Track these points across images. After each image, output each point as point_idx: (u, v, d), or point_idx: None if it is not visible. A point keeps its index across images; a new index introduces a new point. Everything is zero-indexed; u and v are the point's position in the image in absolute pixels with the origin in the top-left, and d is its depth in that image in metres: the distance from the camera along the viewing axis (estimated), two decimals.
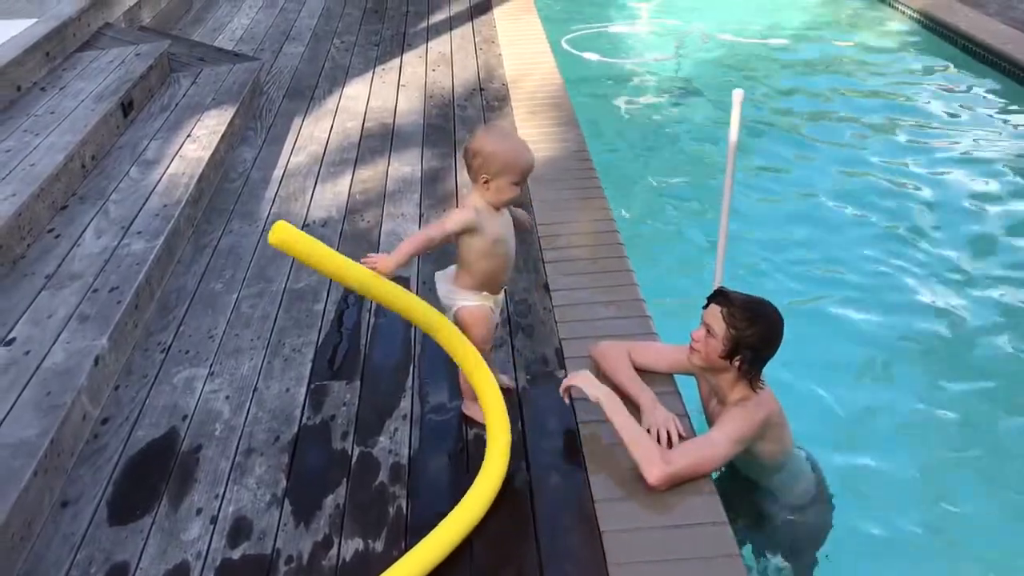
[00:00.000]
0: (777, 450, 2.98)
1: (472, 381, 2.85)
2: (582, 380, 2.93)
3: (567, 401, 3.00)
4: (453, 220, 2.73)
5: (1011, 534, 3.28)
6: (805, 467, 3.14)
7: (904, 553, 3.23)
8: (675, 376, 3.18)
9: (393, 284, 2.66)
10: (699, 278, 4.18)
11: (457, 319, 2.86)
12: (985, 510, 3.40)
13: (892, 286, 4.83)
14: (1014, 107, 6.96)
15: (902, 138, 6.56)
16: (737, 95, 3.17)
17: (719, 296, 2.87)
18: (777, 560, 3.11)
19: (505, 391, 3.14)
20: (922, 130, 6.69)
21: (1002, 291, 4.78)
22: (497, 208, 2.76)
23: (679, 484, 2.70)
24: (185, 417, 3.16)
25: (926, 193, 5.78)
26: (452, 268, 2.94)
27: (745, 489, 3.12)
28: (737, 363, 2.81)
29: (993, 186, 5.83)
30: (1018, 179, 5.93)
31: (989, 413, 3.91)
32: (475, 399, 2.99)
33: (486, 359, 2.88)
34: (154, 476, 2.90)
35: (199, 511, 2.75)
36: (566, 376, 3.07)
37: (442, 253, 3.99)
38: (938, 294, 4.75)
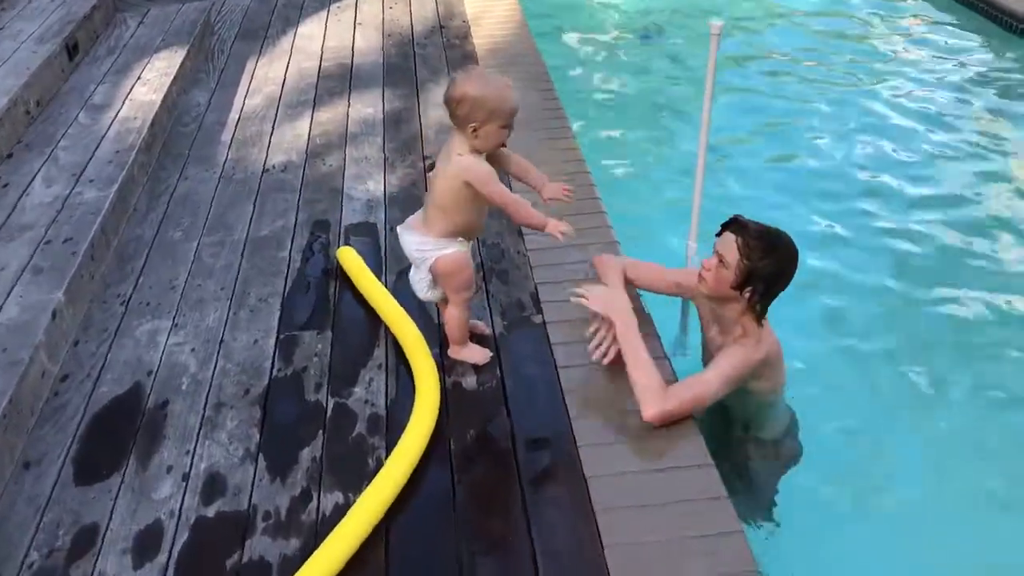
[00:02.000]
0: (768, 388, 2.95)
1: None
2: (598, 302, 2.89)
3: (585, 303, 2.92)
4: (485, 173, 2.62)
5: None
6: (786, 403, 3.12)
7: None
8: (655, 324, 3.13)
9: (407, 322, 3.05)
10: (674, 219, 4.09)
11: (437, 270, 2.76)
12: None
13: (871, 232, 4.79)
14: (1004, 53, 6.85)
15: (889, 77, 6.48)
16: (715, 27, 3.07)
17: (734, 224, 2.75)
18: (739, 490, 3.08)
19: (481, 338, 3.08)
20: (900, 70, 6.63)
21: (974, 238, 4.76)
22: (482, 154, 2.65)
23: (671, 422, 2.66)
24: (150, 372, 3.04)
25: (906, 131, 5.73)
26: (415, 219, 2.83)
27: (723, 421, 3.09)
28: (747, 295, 2.73)
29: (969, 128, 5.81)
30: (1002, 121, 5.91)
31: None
32: (462, 343, 2.93)
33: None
34: (120, 433, 2.80)
35: (169, 468, 2.65)
36: (543, 319, 3.02)
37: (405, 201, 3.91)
38: (916, 241, 4.72)
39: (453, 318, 2.90)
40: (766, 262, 2.69)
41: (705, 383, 2.75)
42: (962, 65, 6.64)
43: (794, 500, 3.10)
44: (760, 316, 2.79)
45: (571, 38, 7.42)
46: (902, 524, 3.11)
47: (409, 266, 3.43)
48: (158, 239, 3.78)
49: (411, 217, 2.87)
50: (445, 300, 2.89)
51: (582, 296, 2.94)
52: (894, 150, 5.53)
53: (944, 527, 3.09)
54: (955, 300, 4.24)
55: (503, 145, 2.67)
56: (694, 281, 2.96)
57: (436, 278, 2.81)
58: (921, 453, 3.39)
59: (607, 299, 2.91)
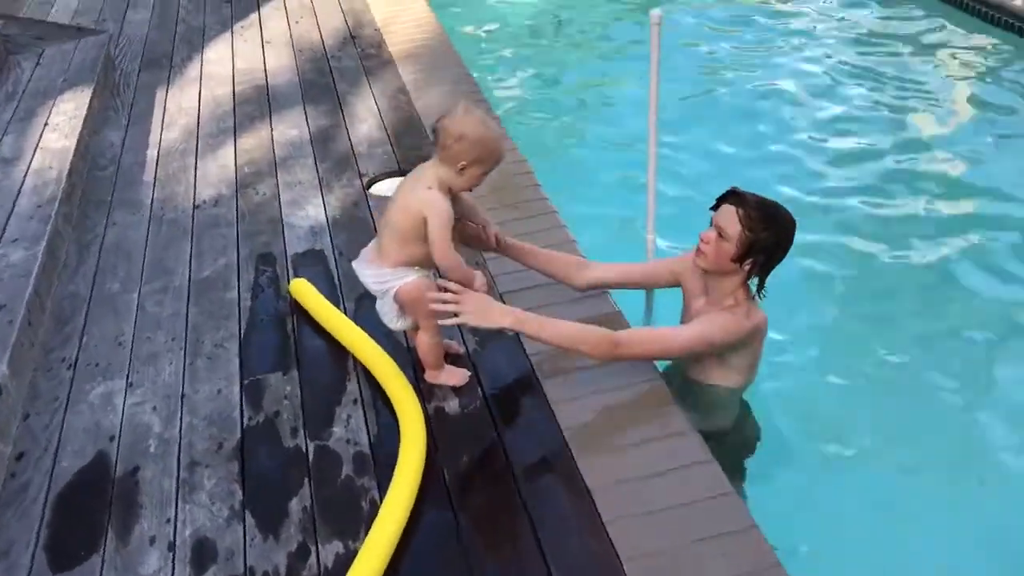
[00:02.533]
0: (733, 382, 2.94)
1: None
2: (479, 318, 2.62)
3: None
4: (444, 218, 2.54)
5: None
6: (741, 399, 3.08)
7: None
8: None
9: (377, 351, 2.95)
10: (626, 215, 4.05)
11: (401, 299, 2.68)
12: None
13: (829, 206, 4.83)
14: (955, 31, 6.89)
15: (840, 48, 6.55)
16: (655, 16, 3.03)
17: (733, 196, 2.72)
18: None
19: (456, 357, 3.00)
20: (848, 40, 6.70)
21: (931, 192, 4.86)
22: (451, 193, 2.59)
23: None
24: (112, 438, 2.87)
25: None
26: (369, 250, 2.74)
27: None
28: (748, 267, 2.71)
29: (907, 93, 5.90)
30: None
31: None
32: (438, 367, 2.84)
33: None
34: (92, 509, 2.62)
35: (152, 539, 2.50)
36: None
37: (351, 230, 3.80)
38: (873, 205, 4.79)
39: (425, 343, 2.81)
40: (767, 233, 2.68)
41: (673, 331, 2.76)
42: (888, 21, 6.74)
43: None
44: (759, 288, 2.79)
45: (477, 34, 7.32)
46: (874, 501, 3.12)
47: (367, 291, 3.35)
48: (95, 293, 3.58)
49: (365, 249, 2.77)
50: (416, 327, 2.79)
51: (452, 310, 2.62)
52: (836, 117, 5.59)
53: (913, 500, 3.12)
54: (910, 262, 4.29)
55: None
56: (687, 262, 2.93)
57: (402, 307, 2.72)
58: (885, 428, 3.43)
59: (487, 315, 2.64)
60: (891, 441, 3.33)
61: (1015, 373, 3.60)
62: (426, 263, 2.69)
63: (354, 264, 2.79)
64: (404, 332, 3.07)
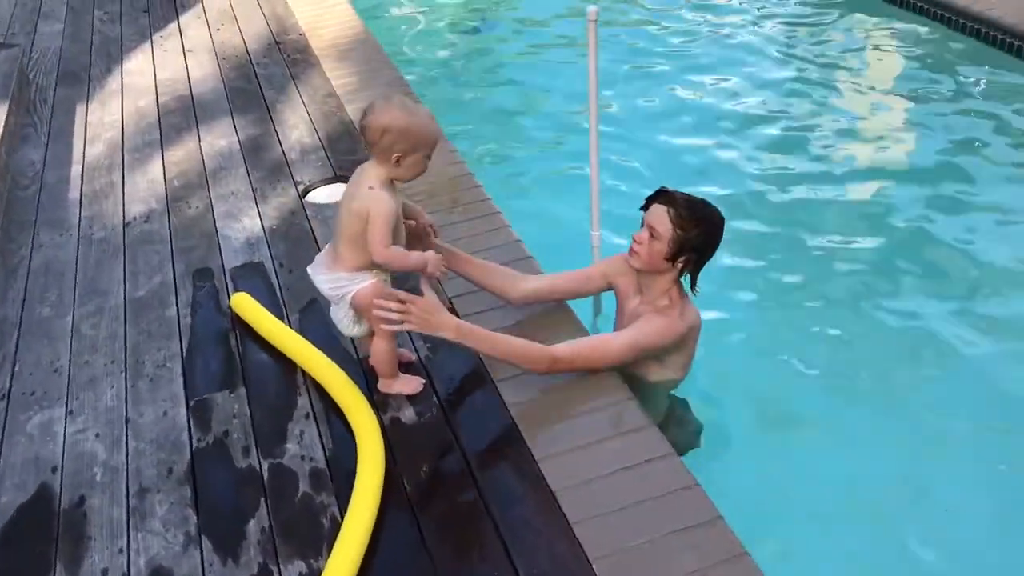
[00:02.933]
0: (668, 378, 2.96)
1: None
2: (424, 326, 2.58)
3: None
4: (384, 216, 2.49)
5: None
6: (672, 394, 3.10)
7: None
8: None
9: (327, 363, 2.90)
10: (571, 216, 4.03)
11: (357, 304, 2.63)
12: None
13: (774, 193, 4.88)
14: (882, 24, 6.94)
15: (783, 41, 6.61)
16: (591, 13, 3.02)
17: (663, 196, 2.78)
18: None
19: (408, 365, 2.96)
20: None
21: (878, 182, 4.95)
22: (395, 187, 2.56)
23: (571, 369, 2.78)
24: (55, 469, 2.75)
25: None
26: (324, 255, 2.69)
27: None
28: (680, 265, 2.76)
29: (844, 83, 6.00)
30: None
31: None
32: (392, 376, 2.79)
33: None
34: (38, 544, 2.51)
35: (104, 572, 2.40)
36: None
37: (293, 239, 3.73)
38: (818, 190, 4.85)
39: (380, 351, 2.76)
40: (698, 231, 2.74)
41: (609, 341, 2.79)
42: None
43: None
44: (692, 284, 2.85)
45: (400, 36, 7.26)
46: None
47: (312, 301, 3.31)
48: (25, 319, 3.44)
49: (320, 255, 2.72)
50: (371, 334, 2.74)
51: (397, 319, 2.57)
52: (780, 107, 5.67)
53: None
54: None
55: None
56: (619, 263, 2.95)
57: (358, 313, 2.67)
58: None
59: (425, 319, 2.58)
60: (835, 420, 3.39)
61: (944, 347, 3.71)
62: (381, 268, 2.65)
63: (309, 269, 2.74)
64: (353, 343, 3.03)
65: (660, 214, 2.74)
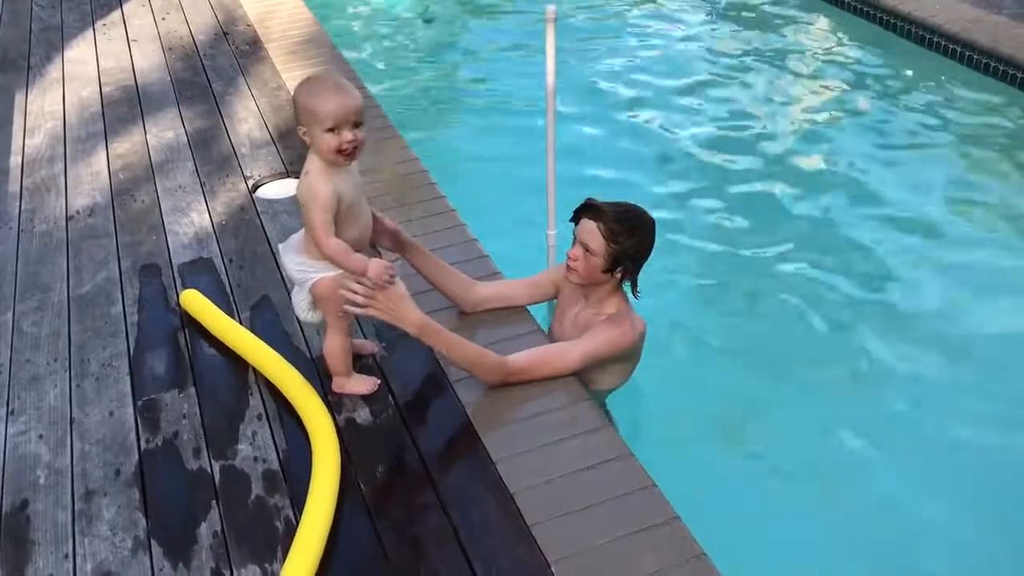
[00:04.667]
0: (610, 383, 2.98)
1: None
2: (388, 316, 2.54)
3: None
4: (318, 202, 2.41)
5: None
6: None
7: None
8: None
9: (280, 362, 2.85)
10: (527, 213, 4.01)
11: (317, 292, 2.58)
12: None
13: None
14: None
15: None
16: (549, 11, 3.01)
17: (590, 210, 2.75)
18: None
19: (368, 356, 2.93)
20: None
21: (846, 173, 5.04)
22: (330, 164, 2.45)
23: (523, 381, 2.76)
24: None
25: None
26: (297, 238, 2.63)
27: None
28: (619, 275, 2.77)
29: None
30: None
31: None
32: (346, 374, 2.75)
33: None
34: None
35: None
36: None
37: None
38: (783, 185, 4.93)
39: (335, 346, 2.72)
40: (631, 240, 2.74)
41: (562, 354, 2.77)
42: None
43: None
44: (633, 289, 2.87)
45: (351, 29, 7.17)
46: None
47: (263, 298, 3.27)
48: None
49: (294, 235, 2.66)
50: (325, 324, 2.70)
51: (362, 303, 2.51)
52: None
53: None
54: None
55: (346, 155, 2.42)
56: (558, 273, 2.98)
57: (315, 300, 2.62)
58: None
59: (390, 308, 2.55)
60: (770, 417, 3.46)
61: (882, 342, 3.82)
62: (355, 249, 2.57)
63: (280, 247, 2.69)
64: (306, 342, 2.99)
65: (591, 230, 2.74)
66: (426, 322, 2.60)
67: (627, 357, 2.94)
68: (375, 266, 2.49)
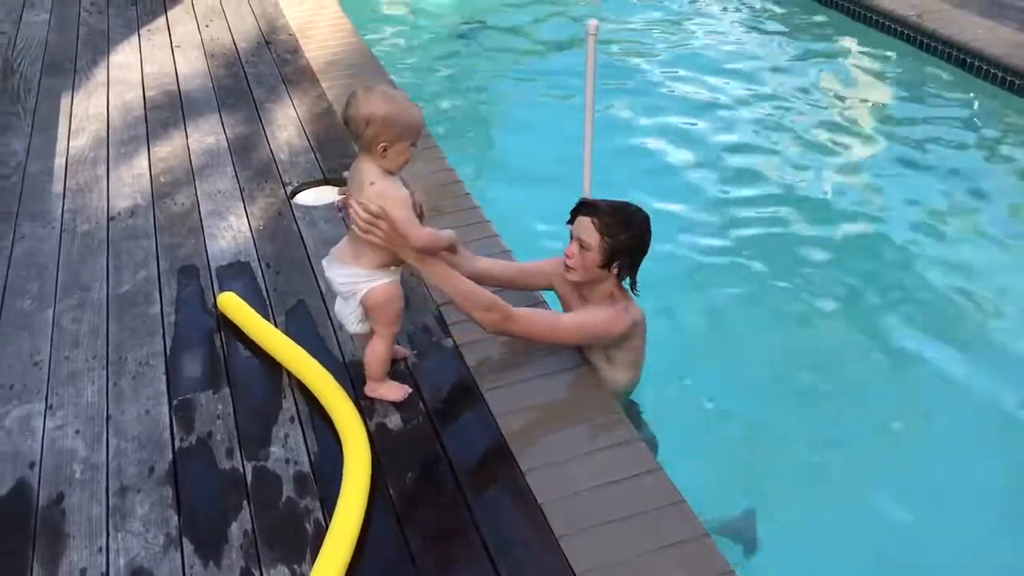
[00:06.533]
0: (628, 377, 2.99)
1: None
2: (389, 241, 2.52)
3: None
4: (399, 206, 2.48)
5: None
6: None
7: None
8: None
9: (314, 366, 2.89)
10: (550, 214, 4.03)
11: (368, 302, 2.62)
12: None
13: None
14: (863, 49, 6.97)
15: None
16: (591, 26, 3.03)
17: (585, 207, 2.83)
18: None
19: (400, 360, 2.98)
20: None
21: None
22: (395, 176, 2.52)
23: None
24: (32, 464, 2.71)
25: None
26: (342, 250, 2.66)
27: None
28: (616, 270, 2.81)
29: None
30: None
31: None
32: (380, 379, 2.78)
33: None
34: (13, 541, 2.47)
35: (83, 572, 2.37)
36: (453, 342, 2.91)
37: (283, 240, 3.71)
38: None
39: (378, 352, 2.75)
40: (626, 235, 2.78)
41: (556, 315, 2.88)
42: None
43: None
44: (632, 284, 2.90)
45: (389, 41, 7.24)
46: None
47: (299, 303, 3.30)
48: (5, 311, 3.39)
49: (336, 248, 2.69)
50: (371, 333, 2.73)
51: (366, 228, 2.50)
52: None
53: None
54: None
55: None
56: (553, 267, 3.03)
57: (366, 311, 2.65)
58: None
59: (392, 235, 2.51)
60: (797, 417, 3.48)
61: (893, 341, 3.89)
62: (397, 262, 2.64)
63: (324, 261, 2.72)
64: (340, 347, 3.02)
65: (585, 225, 2.78)
66: (424, 253, 2.60)
67: (624, 342, 2.92)
68: (453, 235, 2.71)
